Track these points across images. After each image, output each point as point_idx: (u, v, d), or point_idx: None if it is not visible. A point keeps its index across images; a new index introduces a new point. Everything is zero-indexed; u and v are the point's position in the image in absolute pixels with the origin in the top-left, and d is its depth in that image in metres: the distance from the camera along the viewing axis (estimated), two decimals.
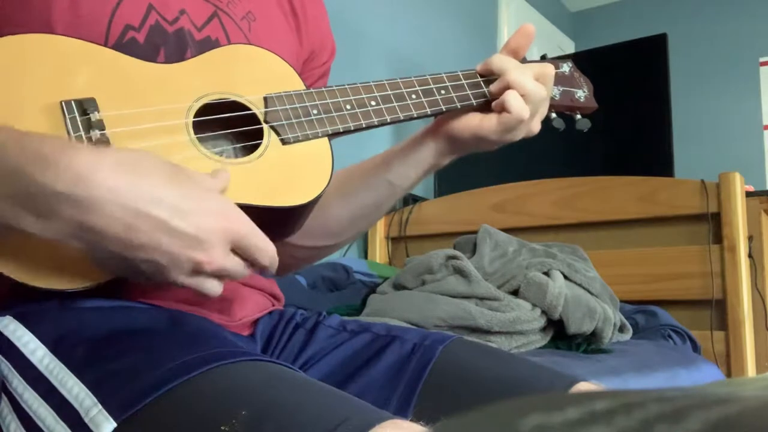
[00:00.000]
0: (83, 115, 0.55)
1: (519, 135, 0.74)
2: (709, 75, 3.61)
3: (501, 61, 0.75)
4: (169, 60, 0.64)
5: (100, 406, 0.47)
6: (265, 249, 0.55)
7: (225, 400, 0.45)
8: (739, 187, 1.73)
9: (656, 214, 1.84)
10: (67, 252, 0.53)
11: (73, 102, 0.56)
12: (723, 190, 1.74)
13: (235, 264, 0.53)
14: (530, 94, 0.71)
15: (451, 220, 2.16)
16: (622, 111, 2.15)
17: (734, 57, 3.58)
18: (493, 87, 0.73)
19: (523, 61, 0.79)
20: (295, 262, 0.87)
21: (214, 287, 0.54)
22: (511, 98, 0.70)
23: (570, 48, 3.94)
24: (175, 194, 0.51)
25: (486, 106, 0.74)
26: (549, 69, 0.74)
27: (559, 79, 0.80)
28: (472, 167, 2.24)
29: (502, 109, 0.71)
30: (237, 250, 0.54)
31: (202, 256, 0.51)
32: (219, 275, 0.54)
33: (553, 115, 0.82)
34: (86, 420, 0.46)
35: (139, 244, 0.49)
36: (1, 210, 0.48)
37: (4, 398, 0.53)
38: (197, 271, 0.52)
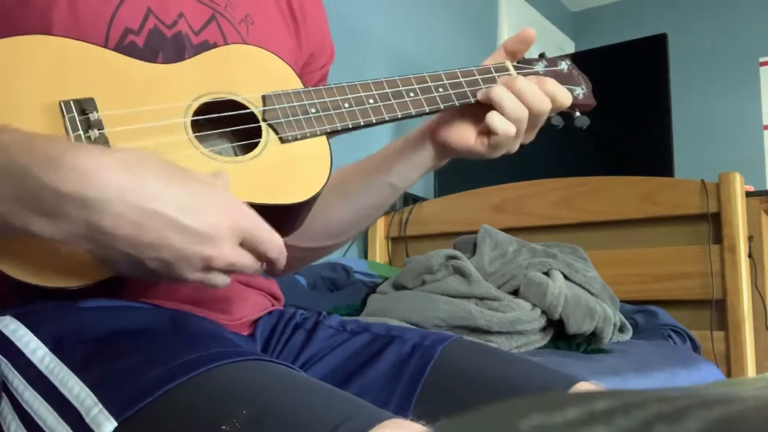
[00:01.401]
0: (82, 114, 0.56)
1: (514, 147, 0.74)
2: (709, 75, 3.61)
3: (492, 58, 0.78)
4: (167, 63, 0.64)
5: (100, 406, 0.47)
6: (273, 242, 0.55)
7: (226, 400, 0.45)
8: (739, 187, 1.73)
9: (656, 214, 1.84)
10: (70, 250, 0.53)
11: (71, 102, 0.56)
12: (723, 190, 1.74)
13: (244, 258, 0.54)
14: (509, 114, 0.70)
15: (451, 220, 2.16)
16: (622, 111, 2.15)
17: (734, 57, 3.58)
18: (480, 94, 0.73)
19: (522, 61, 0.79)
20: (296, 263, 0.87)
21: (223, 280, 0.54)
22: (494, 120, 0.70)
23: (570, 48, 3.94)
24: (181, 192, 0.51)
25: (484, 108, 0.74)
26: (534, 97, 0.71)
27: (558, 77, 0.80)
28: (472, 167, 2.25)
29: (489, 131, 0.71)
30: (245, 245, 0.54)
31: (211, 251, 0.51)
32: (229, 270, 0.54)
33: None
34: (87, 420, 0.46)
35: (149, 242, 0.49)
36: (9, 212, 0.48)
37: (5, 398, 0.53)
38: (207, 267, 0.52)
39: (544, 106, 0.72)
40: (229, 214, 0.52)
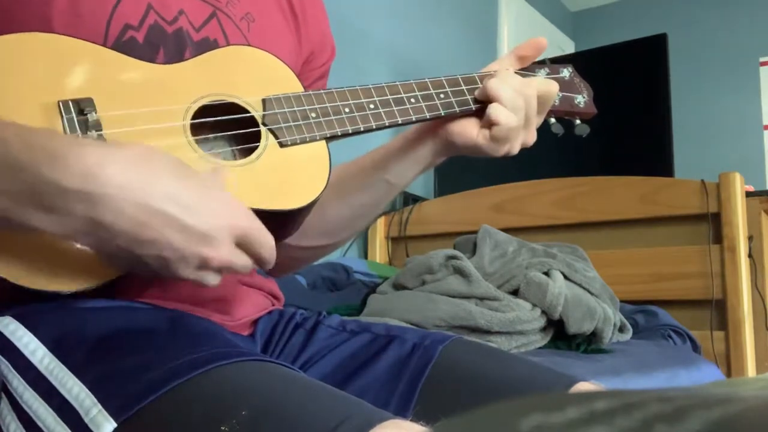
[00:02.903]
0: (80, 115, 0.55)
1: (515, 147, 0.74)
2: (709, 75, 3.61)
3: (499, 62, 0.79)
4: (169, 60, 0.64)
5: (100, 407, 0.46)
6: (267, 242, 0.56)
7: (225, 400, 0.45)
8: (739, 187, 1.73)
9: (656, 214, 1.84)
10: (67, 254, 0.53)
11: (70, 102, 0.56)
12: (723, 190, 1.74)
13: (240, 258, 0.54)
14: (508, 102, 0.71)
15: (451, 220, 2.16)
16: (622, 111, 2.15)
17: (734, 57, 3.58)
18: (477, 92, 0.74)
19: (525, 68, 0.80)
20: (294, 263, 0.87)
21: (215, 279, 0.55)
22: (495, 110, 0.71)
23: (570, 48, 3.94)
24: (185, 192, 0.51)
25: (485, 111, 0.74)
26: (529, 89, 0.73)
27: (559, 84, 0.80)
28: (472, 167, 2.25)
29: (490, 123, 0.71)
30: (241, 245, 0.55)
31: (209, 252, 0.52)
32: (224, 270, 0.54)
33: (552, 120, 0.82)
34: (86, 420, 0.46)
35: (149, 240, 0.50)
36: (7, 208, 0.48)
37: (4, 398, 0.53)
38: (203, 266, 0.53)
39: (533, 92, 0.73)
40: (229, 214, 0.53)
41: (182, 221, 0.50)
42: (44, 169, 0.47)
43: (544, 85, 0.75)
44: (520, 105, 0.72)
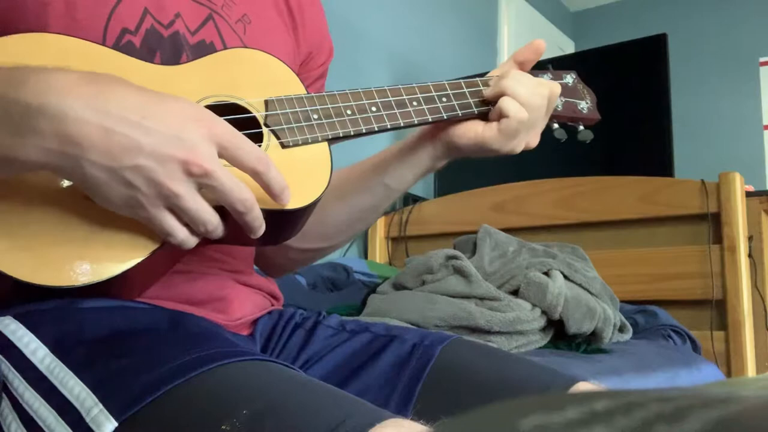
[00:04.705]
0: None
1: (519, 147, 0.74)
2: (709, 75, 3.61)
3: (501, 69, 0.78)
4: (165, 64, 0.64)
5: (101, 406, 0.47)
6: (253, 151, 0.53)
7: (226, 400, 0.45)
8: (739, 187, 1.73)
9: (656, 214, 1.84)
10: (67, 248, 0.53)
11: None
12: (723, 190, 1.74)
13: (225, 171, 0.52)
14: (525, 99, 0.71)
15: (451, 220, 2.16)
16: (623, 111, 2.15)
17: (734, 57, 3.58)
18: (488, 92, 0.74)
19: (528, 72, 0.80)
20: (292, 264, 0.87)
21: (207, 211, 0.52)
22: (507, 102, 0.71)
23: (570, 48, 3.94)
24: (144, 98, 0.51)
25: (487, 114, 0.74)
26: (542, 88, 0.74)
27: (563, 90, 0.80)
28: (472, 167, 2.24)
29: (501, 115, 0.71)
30: (224, 154, 0.52)
31: (186, 154, 0.50)
32: (209, 184, 0.52)
33: (555, 125, 0.82)
34: (87, 420, 0.46)
35: (119, 146, 0.49)
36: None
37: (5, 398, 0.53)
38: (188, 173, 0.50)
39: (546, 92, 0.74)
40: (200, 118, 0.52)
41: (145, 125, 0.49)
42: (8, 91, 0.49)
43: (549, 85, 0.75)
44: (534, 102, 0.72)
